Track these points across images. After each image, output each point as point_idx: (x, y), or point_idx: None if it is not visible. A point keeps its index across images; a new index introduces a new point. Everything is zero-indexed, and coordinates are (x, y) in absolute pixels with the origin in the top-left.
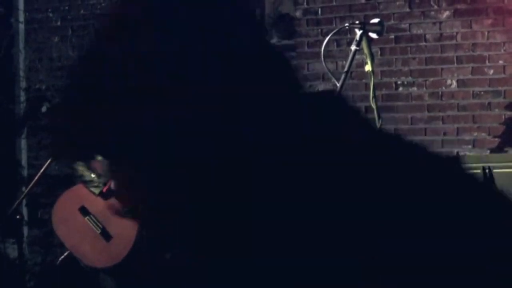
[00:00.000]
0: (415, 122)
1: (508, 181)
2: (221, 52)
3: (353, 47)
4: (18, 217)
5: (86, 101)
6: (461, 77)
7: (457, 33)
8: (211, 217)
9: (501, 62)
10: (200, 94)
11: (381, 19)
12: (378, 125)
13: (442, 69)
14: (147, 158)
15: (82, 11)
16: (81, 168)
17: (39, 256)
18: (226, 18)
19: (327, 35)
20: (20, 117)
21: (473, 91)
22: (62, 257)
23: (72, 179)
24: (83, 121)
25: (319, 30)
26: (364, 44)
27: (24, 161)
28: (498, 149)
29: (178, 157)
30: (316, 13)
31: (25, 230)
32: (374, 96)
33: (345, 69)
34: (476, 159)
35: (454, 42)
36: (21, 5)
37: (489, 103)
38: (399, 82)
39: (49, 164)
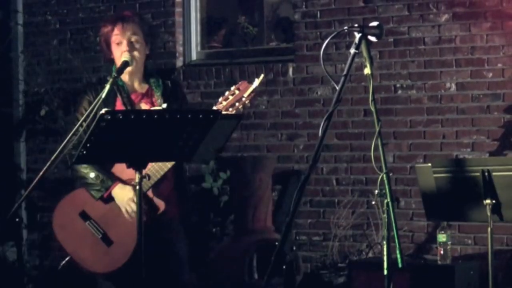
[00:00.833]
0: (414, 125)
1: (508, 184)
2: None
3: (352, 50)
4: (17, 220)
5: None
6: (460, 80)
7: (456, 36)
8: None
9: (500, 65)
10: None
11: (380, 23)
12: (377, 128)
13: (441, 72)
14: None
15: (80, 15)
16: (84, 170)
17: (38, 260)
18: None
19: (326, 38)
20: (19, 121)
21: (472, 94)
22: (64, 262)
23: (71, 183)
24: None
25: (318, 33)
26: (363, 48)
27: (23, 165)
28: (498, 152)
29: None
30: (315, 16)
31: (24, 234)
32: (373, 99)
33: (344, 72)
34: (475, 162)
35: (453, 45)
36: (19, 8)
37: (488, 106)
38: (398, 85)
39: (48, 167)
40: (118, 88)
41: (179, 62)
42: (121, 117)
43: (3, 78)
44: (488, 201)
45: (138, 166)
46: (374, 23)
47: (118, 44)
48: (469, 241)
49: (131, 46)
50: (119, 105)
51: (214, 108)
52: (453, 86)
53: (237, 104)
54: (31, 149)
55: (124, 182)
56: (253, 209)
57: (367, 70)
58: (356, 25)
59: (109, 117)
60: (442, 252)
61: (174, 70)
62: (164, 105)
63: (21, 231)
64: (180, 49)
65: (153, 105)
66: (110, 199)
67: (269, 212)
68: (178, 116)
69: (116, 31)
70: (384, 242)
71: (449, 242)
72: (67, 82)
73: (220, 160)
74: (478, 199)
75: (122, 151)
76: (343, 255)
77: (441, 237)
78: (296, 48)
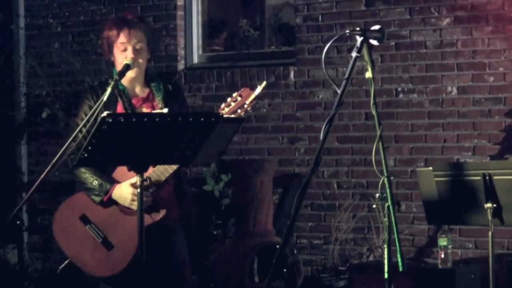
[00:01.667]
0: (415, 129)
1: (509, 188)
2: None
3: (353, 54)
4: (18, 223)
5: None
6: (461, 84)
7: (457, 40)
8: None
9: (501, 69)
10: None
11: (381, 26)
12: (378, 132)
13: (442, 76)
14: None
15: (82, 17)
16: (83, 175)
17: (39, 262)
18: None
19: (328, 41)
20: (20, 123)
21: (473, 98)
22: (63, 265)
23: (72, 186)
24: None
25: (320, 36)
26: (364, 51)
27: (24, 167)
28: (499, 156)
29: None
30: (316, 19)
31: (25, 236)
32: (375, 103)
33: (346, 76)
34: (476, 166)
35: (454, 49)
36: (21, 11)
37: (489, 110)
38: (399, 89)
39: (49, 170)
40: (119, 92)
41: (181, 65)
42: (122, 120)
43: (5, 81)
44: (489, 205)
45: (139, 169)
46: (376, 27)
47: (122, 50)
48: (470, 245)
49: (136, 53)
50: (120, 109)
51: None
52: (455, 90)
53: (239, 111)
54: (32, 151)
55: None
56: (254, 212)
57: (368, 74)
58: (357, 28)
59: (110, 120)
60: (443, 255)
61: (176, 73)
62: (165, 110)
63: (22, 233)
64: (181, 52)
65: (154, 109)
66: (110, 203)
67: (270, 215)
68: (180, 119)
69: (122, 37)
70: (385, 246)
71: (450, 246)
72: (68, 85)
73: (221, 163)
74: (479, 203)
75: (123, 154)
76: (344, 258)
77: (442, 241)
78: (297, 51)
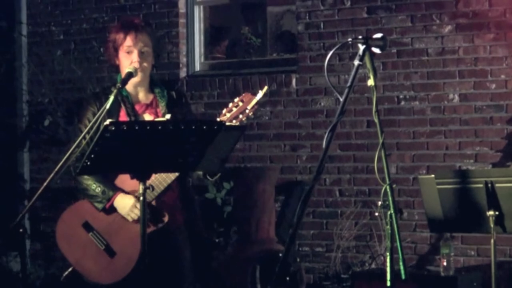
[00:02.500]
0: (417, 136)
1: (511, 196)
2: None
3: (356, 62)
4: (21, 230)
5: None
6: (463, 91)
7: (459, 47)
8: None
9: (503, 76)
10: None
11: (384, 35)
12: (380, 139)
13: (444, 83)
14: None
15: (84, 25)
16: (86, 181)
17: (42, 270)
18: None
19: (329, 49)
20: (23, 131)
21: (475, 106)
22: (66, 273)
23: (74, 193)
24: None
25: (321, 44)
26: (367, 59)
27: (26, 175)
28: (501, 163)
29: None
30: (318, 27)
31: (28, 244)
32: (377, 111)
33: (348, 84)
34: (478, 173)
35: (456, 56)
36: (24, 18)
37: (491, 118)
38: (401, 96)
39: (51, 178)
40: (122, 98)
41: (183, 73)
42: (125, 128)
43: (7, 89)
44: (491, 212)
45: (142, 177)
46: (378, 35)
47: (128, 53)
48: (472, 253)
49: (141, 57)
50: (123, 116)
51: (218, 119)
52: (456, 97)
53: (240, 116)
54: (34, 159)
55: (127, 193)
56: (256, 220)
57: (370, 82)
58: (360, 36)
59: (113, 128)
60: (445, 263)
61: (178, 81)
62: (168, 116)
63: (24, 241)
64: (183, 59)
65: (157, 116)
66: (112, 210)
67: (272, 222)
68: (182, 127)
69: (129, 40)
70: (387, 253)
71: (452, 254)
72: (71, 93)
73: (223, 170)
74: (481, 211)
75: (126, 162)
76: (346, 266)
77: (444, 249)
78: (299, 59)
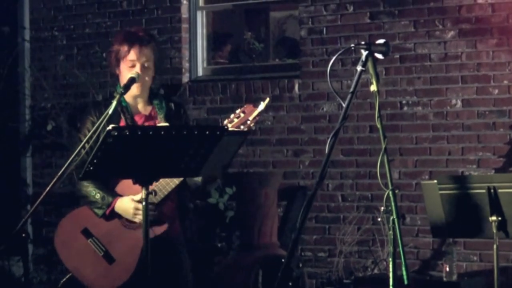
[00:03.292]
0: (420, 142)
1: None
2: None
3: (359, 68)
4: (23, 235)
5: None
6: (465, 97)
7: (461, 53)
8: None
9: (505, 82)
10: None
11: (386, 40)
12: (383, 144)
13: (446, 88)
14: None
15: (87, 30)
16: (86, 188)
17: (44, 274)
18: None
19: (332, 54)
20: (25, 135)
21: (477, 111)
22: (64, 279)
23: (77, 198)
24: None
25: (324, 49)
26: (369, 65)
27: (29, 179)
28: (503, 169)
29: None
30: (321, 32)
31: (30, 248)
32: (379, 116)
33: (351, 90)
34: (481, 179)
35: (458, 62)
36: (26, 24)
37: (493, 123)
38: (404, 102)
39: (55, 182)
40: (122, 108)
41: (185, 78)
42: (127, 133)
43: (10, 93)
44: (493, 218)
45: (145, 182)
46: (381, 41)
47: (130, 67)
48: (475, 258)
49: (143, 71)
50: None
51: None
52: (459, 103)
53: (242, 127)
54: (37, 164)
55: None
56: (258, 225)
57: (373, 87)
58: (363, 42)
59: (116, 133)
60: (447, 268)
61: (180, 86)
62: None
63: (27, 246)
64: (186, 65)
65: None
66: (112, 216)
67: (275, 227)
68: (185, 132)
69: (133, 54)
70: (390, 259)
71: (454, 259)
72: (73, 97)
73: (226, 175)
74: (483, 216)
75: (128, 167)
76: (348, 271)
77: (447, 254)
78: (302, 64)
